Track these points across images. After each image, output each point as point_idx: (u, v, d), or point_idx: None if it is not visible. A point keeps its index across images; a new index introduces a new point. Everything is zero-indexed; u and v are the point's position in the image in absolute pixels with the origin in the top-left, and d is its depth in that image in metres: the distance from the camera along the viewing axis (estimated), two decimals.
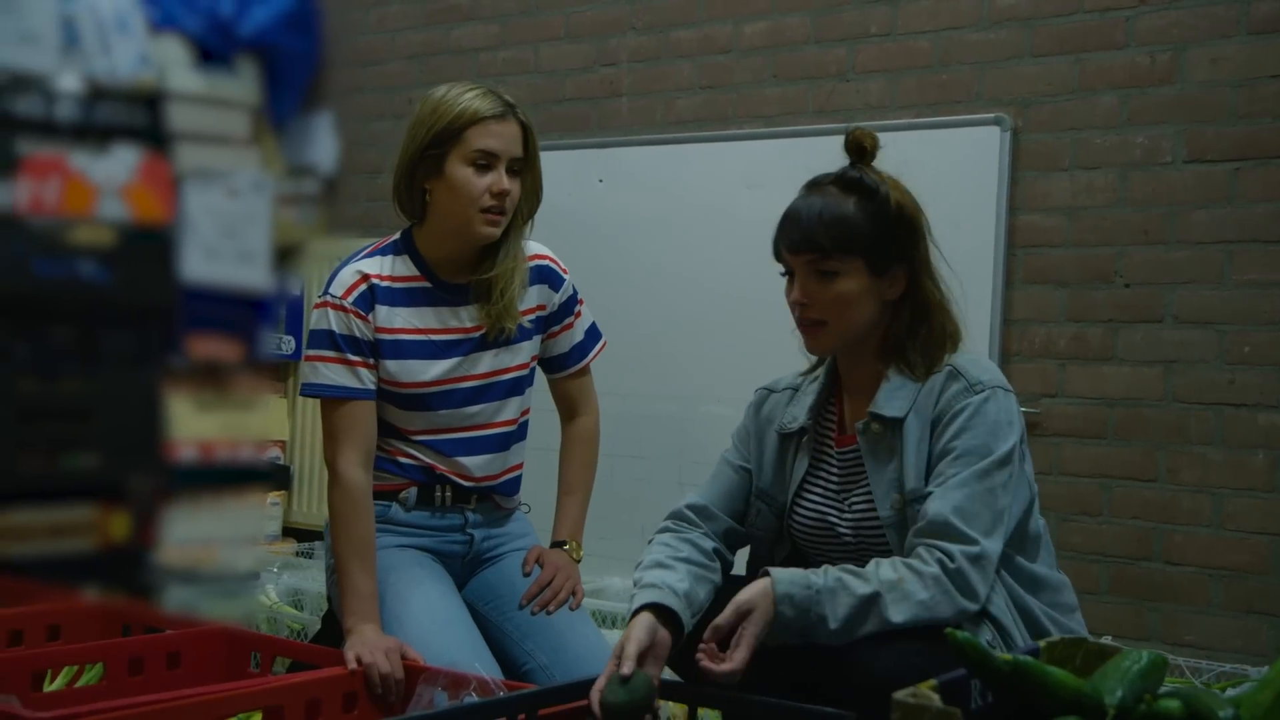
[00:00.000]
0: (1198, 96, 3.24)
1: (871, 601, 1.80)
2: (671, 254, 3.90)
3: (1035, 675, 1.44)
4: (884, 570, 1.84)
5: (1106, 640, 3.09)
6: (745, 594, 1.83)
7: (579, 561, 2.46)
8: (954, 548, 1.83)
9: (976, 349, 3.40)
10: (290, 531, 4.40)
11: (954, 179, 3.43)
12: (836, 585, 1.82)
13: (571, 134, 4.24)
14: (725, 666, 1.79)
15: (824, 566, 1.85)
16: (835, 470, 2.05)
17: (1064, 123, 3.42)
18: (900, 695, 1.35)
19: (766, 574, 1.85)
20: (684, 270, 3.88)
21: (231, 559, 2.69)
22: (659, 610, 1.92)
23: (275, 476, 4.06)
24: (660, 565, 2.01)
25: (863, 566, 1.86)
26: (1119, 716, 1.36)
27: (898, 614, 1.80)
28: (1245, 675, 2.90)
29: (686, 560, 2.03)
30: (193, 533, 2.55)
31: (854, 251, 1.95)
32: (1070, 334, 3.39)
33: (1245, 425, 3.15)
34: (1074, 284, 3.39)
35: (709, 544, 2.10)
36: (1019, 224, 3.46)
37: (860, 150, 2.00)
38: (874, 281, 1.96)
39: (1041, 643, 1.59)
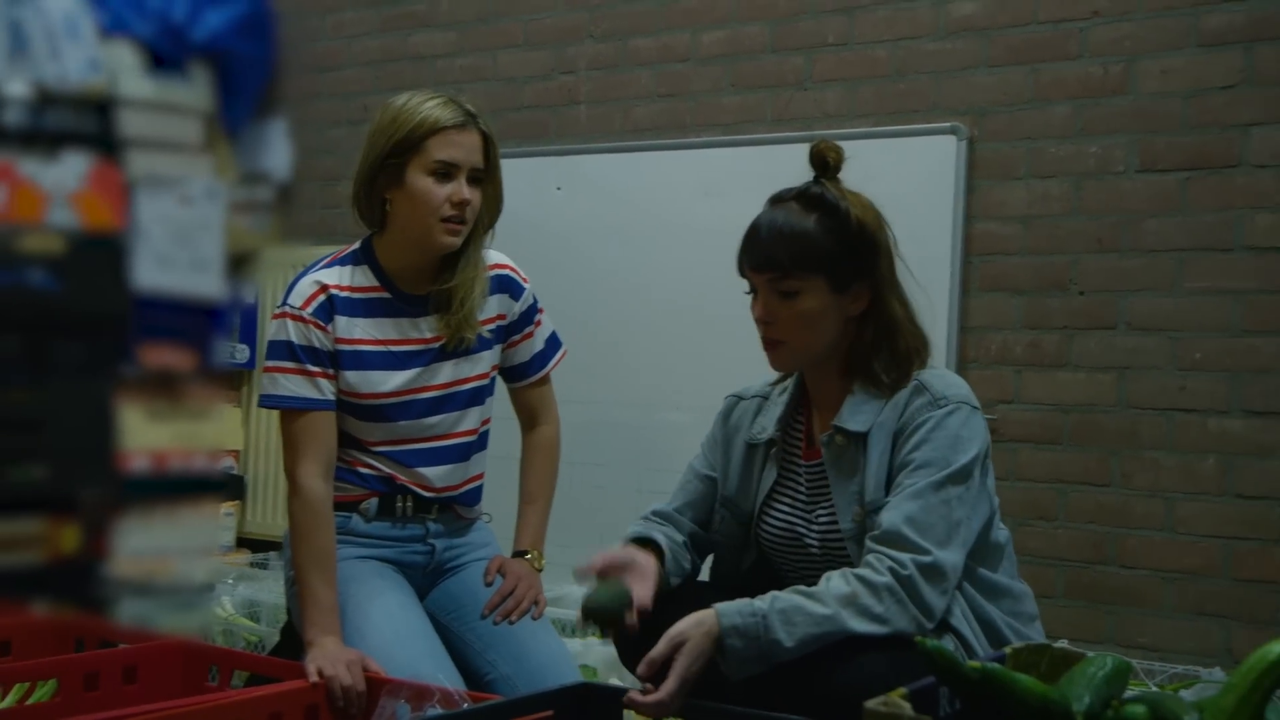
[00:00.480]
0: (1149, 107, 3.28)
1: (829, 620, 1.79)
2: (630, 262, 3.90)
3: (1003, 683, 1.45)
4: (835, 585, 1.83)
5: (1063, 644, 3.14)
6: (680, 625, 1.81)
7: (541, 571, 2.45)
8: (905, 556, 1.83)
9: (934, 356, 3.43)
10: (245, 542, 4.36)
11: (911, 188, 3.45)
12: (790, 608, 1.80)
13: (530, 141, 4.23)
14: (652, 698, 1.77)
15: (771, 592, 1.84)
16: (803, 483, 2.06)
17: (1019, 132, 3.44)
18: (872, 704, 1.35)
19: (712, 608, 1.83)
20: (642, 278, 3.88)
21: (186, 570, 2.66)
22: (640, 541, 1.98)
23: (229, 486, 4.03)
24: (638, 536, 2.07)
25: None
26: None
27: (858, 625, 1.79)
28: (1197, 676, 2.93)
29: (664, 535, 2.08)
30: (146, 544, 2.52)
31: (814, 270, 1.95)
32: (1026, 341, 3.42)
33: (1196, 431, 3.18)
34: (1030, 291, 3.42)
35: (679, 536, 2.13)
36: (975, 232, 3.49)
37: (824, 164, 2.00)
38: (836, 299, 1.96)
39: (1007, 649, 1.60)
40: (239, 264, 2.38)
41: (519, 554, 2.45)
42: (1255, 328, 3.13)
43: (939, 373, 2.00)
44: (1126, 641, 3.23)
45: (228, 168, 2.20)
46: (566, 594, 3.61)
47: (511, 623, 2.32)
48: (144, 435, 2.33)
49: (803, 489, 2.05)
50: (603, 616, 1.84)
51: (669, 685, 1.76)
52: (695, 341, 3.69)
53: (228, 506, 4.13)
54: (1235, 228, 3.17)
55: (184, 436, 2.39)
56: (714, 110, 3.92)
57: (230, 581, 3.62)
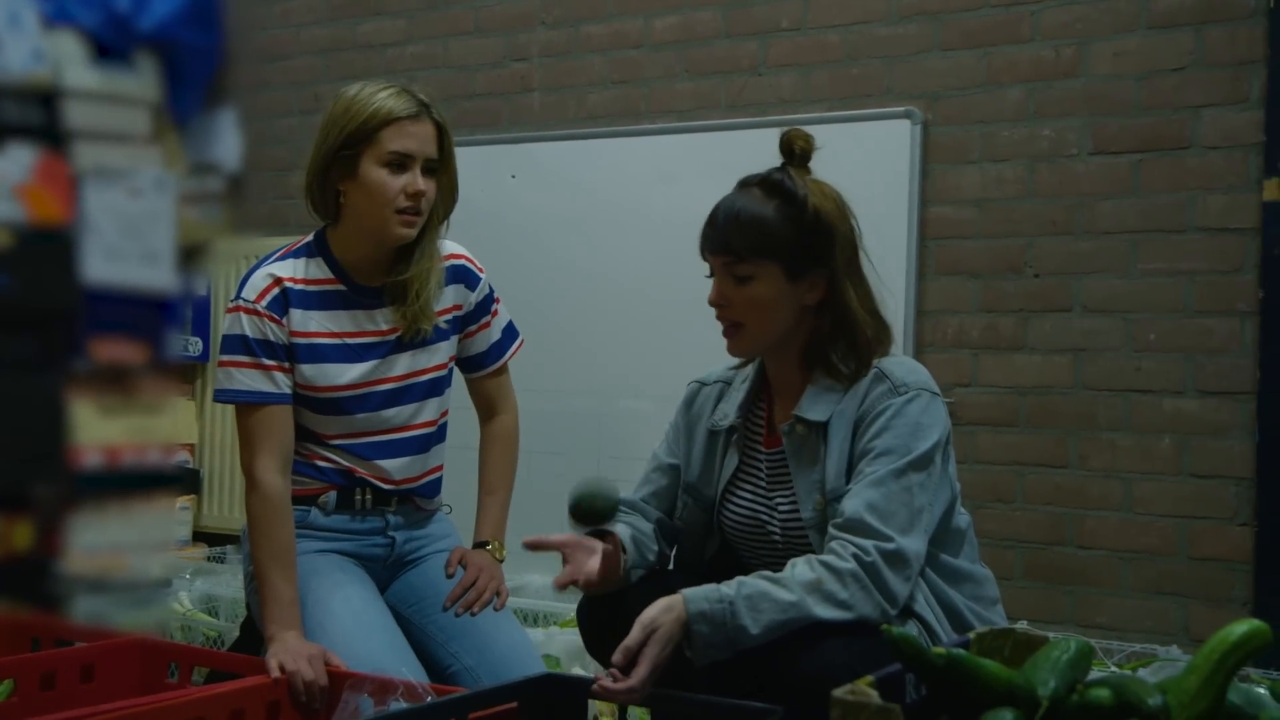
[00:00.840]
0: (1101, 89, 3.30)
1: (794, 607, 1.79)
2: (586, 249, 3.89)
3: (969, 668, 1.47)
4: (800, 571, 1.83)
5: (1024, 625, 3.16)
6: (651, 611, 1.80)
7: (502, 561, 2.44)
8: (868, 543, 1.83)
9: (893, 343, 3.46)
10: (201, 536, 4.32)
11: (866, 172, 3.45)
12: (755, 594, 1.80)
13: (483, 129, 4.20)
14: (623, 685, 1.77)
15: (737, 578, 1.84)
16: (764, 470, 2.06)
17: (973, 116, 3.46)
18: (839, 693, 1.35)
19: (679, 594, 1.83)
20: (598, 265, 3.87)
21: (142, 566, 2.63)
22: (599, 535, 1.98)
23: (184, 480, 3.99)
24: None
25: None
26: (1052, 707, 1.38)
27: (822, 612, 1.80)
28: (1154, 655, 2.96)
29: (627, 524, 2.08)
30: (100, 540, 2.48)
31: (769, 256, 1.95)
32: (982, 324, 3.44)
33: (1152, 411, 3.21)
34: (985, 275, 3.44)
35: (647, 525, 2.13)
36: (930, 216, 3.50)
37: (790, 152, 2.00)
38: (791, 286, 1.96)
39: (971, 634, 1.61)
40: (190, 256, 2.34)
41: (480, 545, 2.44)
42: (1208, 308, 3.16)
43: (899, 360, 2.00)
44: (1085, 621, 3.26)
45: (177, 159, 2.16)
46: (526, 583, 3.60)
47: (474, 614, 2.31)
48: (96, 430, 2.29)
49: (763, 476, 2.05)
50: (591, 513, 1.83)
51: (640, 672, 1.76)
52: (654, 329, 3.68)
53: (183, 500, 4.09)
54: (1187, 209, 3.19)
55: (137, 430, 2.35)
56: (668, 97, 3.91)
57: (187, 576, 3.59)
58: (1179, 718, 1.39)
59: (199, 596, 3.50)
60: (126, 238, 2.10)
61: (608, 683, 1.78)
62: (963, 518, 2.04)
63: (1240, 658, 1.43)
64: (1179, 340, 3.19)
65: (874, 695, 1.34)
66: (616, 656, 1.79)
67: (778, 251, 1.95)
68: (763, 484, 2.05)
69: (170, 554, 3.60)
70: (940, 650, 1.47)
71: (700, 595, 1.80)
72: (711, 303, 2.00)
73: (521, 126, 4.15)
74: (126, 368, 2.29)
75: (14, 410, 2.37)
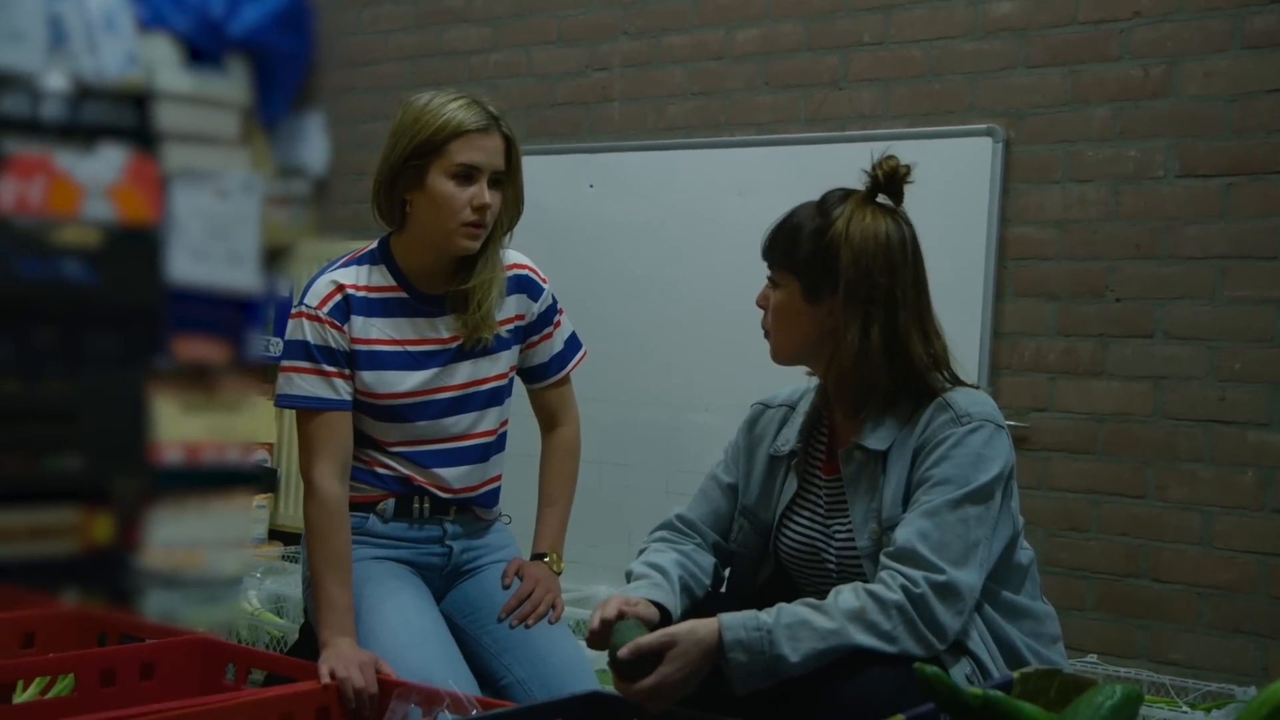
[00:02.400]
0: (1191, 110, 3.24)
1: (834, 635, 1.76)
2: (661, 261, 3.88)
3: (1005, 711, 1.41)
4: (845, 599, 1.79)
5: (1092, 660, 3.11)
6: (678, 626, 1.78)
7: (559, 574, 2.44)
8: (918, 574, 1.79)
9: (966, 362, 3.39)
10: (277, 534, 4.36)
11: (946, 190, 3.42)
12: (795, 623, 1.76)
13: (563, 139, 4.22)
14: (631, 689, 1.76)
15: (778, 605, 1.80)
16: (822, 497, 2.03)
17: (1057, 134, 3.41)
18: None
19: (715, 619, 1.80)
20: (674, 277, 3.86)
21: (216, 562, 2.67)
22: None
23: (262, 479, 4.03)
24: (654, 566, 2.03)
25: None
26: None
27: (864, 640, 1.76)
28: (1231, 695, 2.89)
29: (680, 567, 2.04)
30: (178, 535, 2.53)
31: (789, 269, 1.96)
32: (1060, 348, 3.39)
33: (1235, 443, 3.14)
34: (1065, 298, 3.39)
35: (706, 559, 2.10)
36: (1010, 236, 3.46)
37: (880, 175, 1.97)
38: (808, 305, 1.94)
39: (1016, 673, 1.55)
40: (274, 257, 2.38)
41: (538, 556, 2.44)
42: None
43: (965, 390, 1.95)
44: (1158, 657, 3.19)
45: (264, 161, 2.20)
46: (592, 594, 3.60)
47: (528, 626, 2.31)
48: (177, 427, 2.34)
49: (822, 503, 2.03)
50: (629, 666, 1.81)
51: (646, 681, 1.75)
52: (726, 342, 3.67)
53: (260, 499, 4.13)
54: (1278, 235, 3.12)
55: (217, 429, 2.40)
56: (748, 109, 3.90)
57: (258, 575, 3.63)
58: None
59: (267, 596, 3.53)
60: (212, 238, 2.14)
61: (623, 684, 1.77)
62: (1025, 553, 1.99)
63: None
64: (1265, 370, 3.12)
65: None
66: (627, 650, 1.77)
67: (796, 267, 1.95)
68: (821, 511, 2.03)
69: (244, 552, 3.65)
70: (976, 691, 1.41)
71: (737, 622, 1.77)
72: (757, 304, 2.03)
73: (601, 136, 4.16)
74: (208, 366, 2.33)
75: (98, 405, 2.42)
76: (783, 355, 2.02)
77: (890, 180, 1.97)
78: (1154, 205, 3.28)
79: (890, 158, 1.98)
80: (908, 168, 1.98)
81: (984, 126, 3.47)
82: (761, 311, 2.03)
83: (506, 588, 2.37)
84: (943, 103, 3.58)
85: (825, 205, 1.97)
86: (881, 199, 1.98)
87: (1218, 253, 3.19)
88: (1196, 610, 3.17)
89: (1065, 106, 3.41)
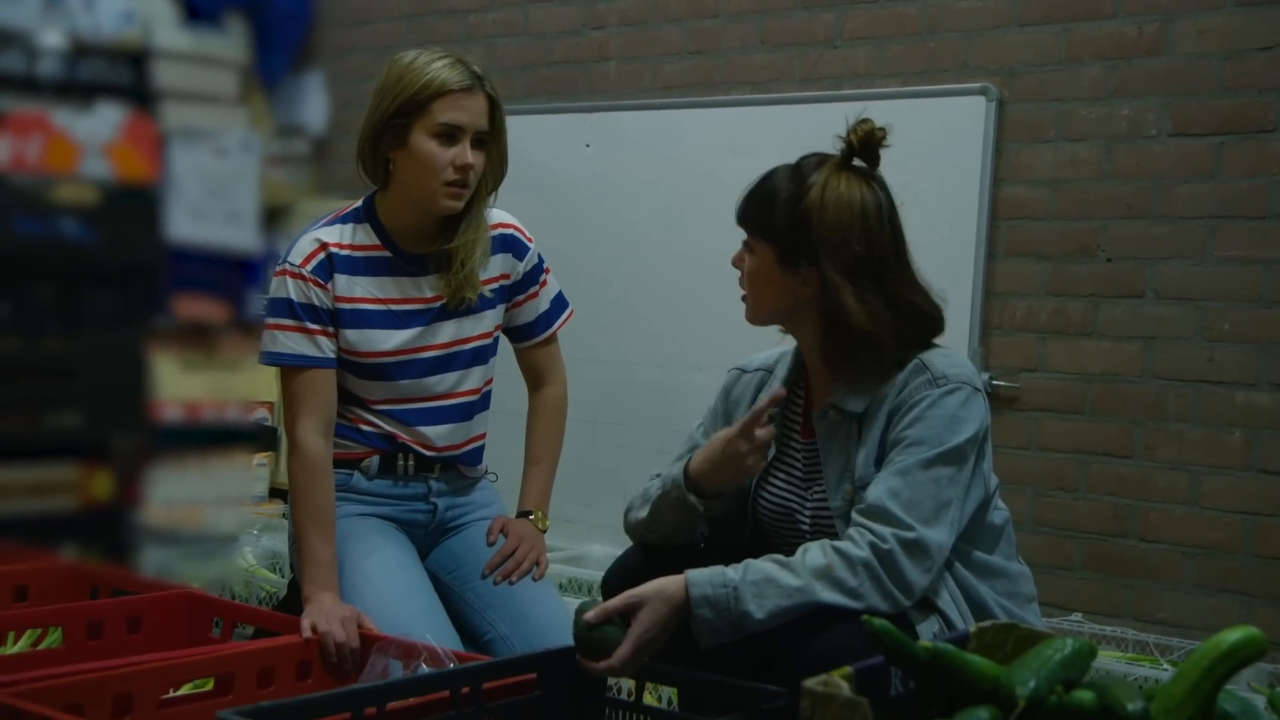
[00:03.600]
0: (1184, 68, 3.24)
1: (800, 592, 1.78)
2: (658, 220, 3.89)
3: (954, 663, 1.42)
4: (812, 556, 1.81)
5: (1076, 618, 3.14)
6: (644, 587, 1.80)
7: (544, 531, 2.46)
8: (887, 530, 1.80)
9: (958, 322, 3.43)
10: (278, 493, 4.37)
11: (939, 149, 3.43)
12: (761, 580, 1.78)
13: (559, 98, 4.21)
14: (604, 664, 1.78)
15: (745, 560, 1.82)
16: (800, 461, 2.05)
17: (1050, 93, 3.42)
18: (810, 683, 1.32)
19: (682, 576, 1.81)
20: (670, 237, 3.87)
21: (215, 520, 2.70)
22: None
23: (262, 437, 4.04)
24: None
25: None
26: (1030, 707, 1.33)
27: (830, 597, 1.78)
28: None
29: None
30: (178, 493, 2.55)
31: (764, 235, 1.95)
32: (1051, 308, 3.41)
33: (1223, 403, 3.17)
34: (1056, 257, 3.40)
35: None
36: (1002, 196, 3.47)
37: (855, 140, 1.96)
38: (782, 272, 1.94)
39: (973, 627, 1.56)
40: (274, 217, 2.39)
41: (523, 514, 2.46)
42: None
43: (942, 352, 1.95)
44: (1144, 616, 3.23)
45: (263, 121, 2.20)
46: (586, 553, 3.63)
47: (511, 583, 2.34)
48: (177, 385, 2.35)
49: (799, 467, 2.05)
50: (594, 650, 1.83)
51: (622, 651, 1.77)
52: (721, 302, 3.65)
53: (261, 457, 4.15)
54: (1270, 195, 3.13)
55: (217, 387, 2.41)
56: (743, 68, 3.90)
57: (254, 533, 3.65)
58: None
59: (263, 553, 3.55)
60: (211, 198, 2.14)
61: (589, 660, 1.79)
62: (999, 514, 2.00)
63: (1232, 665, 1.38)
64: (1254, 331, 3.14)
65: (844, 687, 1.31)
66: (590, 615, 1.80)
67: (771, 234, 1.94)
68: (798, 475, 2.04)
69: (243, 509, 3.67)
70: (925, 644, 1.42)
71: (704, 578, 1.79)
72: (732, 263, 2.04)
73: (597, 95, 4.15)
74: (208, 325, 2.34)
75: (97, 363, 2.43)
76: (758, 317, 2.03)
77: (866, 145, 1.95)
78: (1146, 164, 3.29)
79: (865, 121, 1.96)
80: (884, 131, 1.96)
81: (977, 85, 3.48)
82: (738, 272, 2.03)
83: (491, 545, 2.39)
84: (936, 61, 3.58)
85: (801, 172, 1.95)
86: (858, 163, 1.97)
87: (1208, 212, 3.21)
88: (1182, 570, 3.21)
89: (1058, 65, 3.41)
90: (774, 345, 2.17)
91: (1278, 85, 3.12)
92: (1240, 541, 3.14)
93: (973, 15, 3.52)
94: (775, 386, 2.07)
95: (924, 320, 1.97)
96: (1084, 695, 1.35)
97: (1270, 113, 3.13)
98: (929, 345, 1.97)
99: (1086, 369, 3.35)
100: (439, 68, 2.23)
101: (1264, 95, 3.14)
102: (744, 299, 2.03)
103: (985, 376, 3.37)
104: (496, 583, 2.33)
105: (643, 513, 2.05)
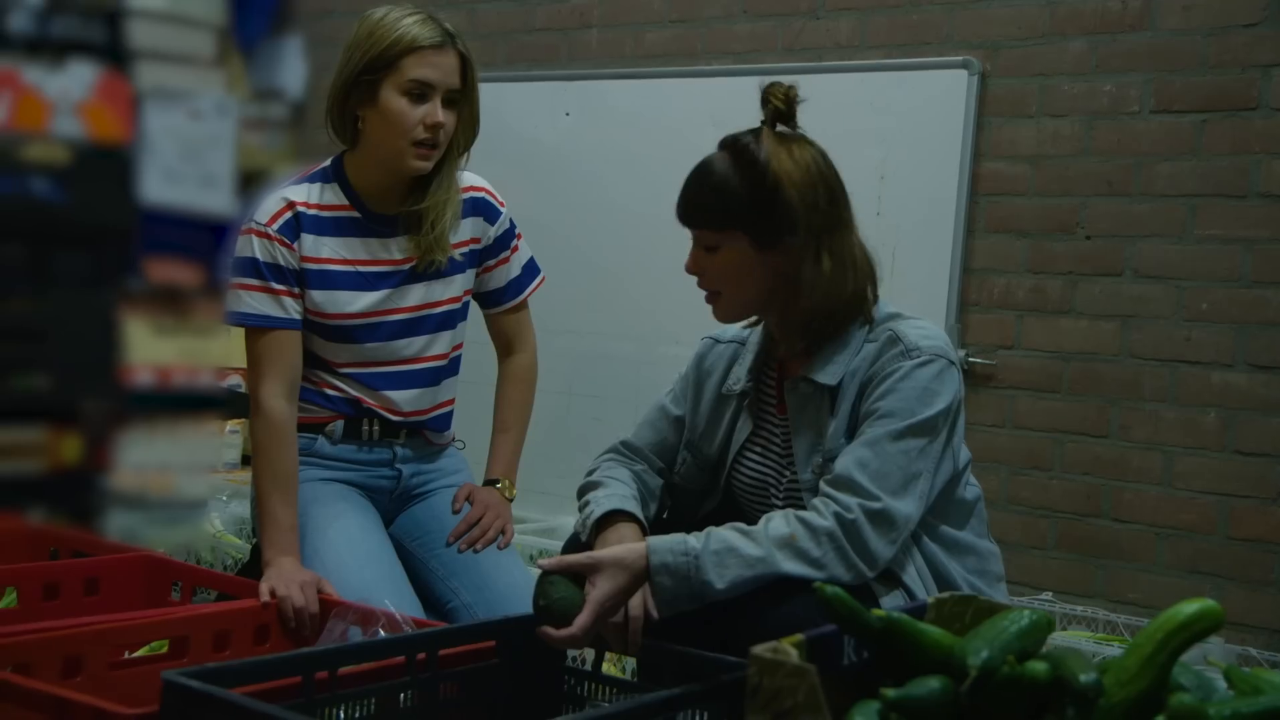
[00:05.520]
0: (1167, 44, 3.23)
1: (761, 563, 1.76)
2: (637, 191, 3.86)
3: (908, 633, 1.41)
4: (775, 525, 1.79)
5: (1047, 597, 3.15)
6: (604, 551, 1.79)
7: (511, 500, 2.45)
8: (853, 500, 1.79)
9: (936, 298, 3.43)
10: (250, 459, 4.36)
11: (920, 122, 3.41)
12: (723, 549, 1.76)
13: (540, 65, 4.18)
14: (564, 633, 1.75)
15: (708, 529, 1.81)
16: (778, 437, 2.04)
17: (1033, 68, 3.40)
18: (759, 650, 1.31)
19: (643, 543, 1.80)
20: (649, 208, 3.82)
21: (184, 486, 2.67)
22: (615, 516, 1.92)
23: (235, 404, 4.02)
24: (613, 477, 2.03)
25: None
26: (982, 677, 1.32)
27: (791, 567, 1.76)
28: None
29: (637, 489, 2.04)
30: (148, 458, 2.53)
31: (733, 226, 1.90)
32: (1030, 285, 3.40)
33: (1199, 384, 3.17)
34: (1036, 234, 3.40)
35: (656, 481, 2.11)
36: (983, 171, 3.46)
37: (768, 108, 1.92)
38: (761, 255, 1.91)
39: (931, 599, 1.55)
40: (250, 181, 2.35)
41: (490, 482, 2.45)
42: (1265, 279, 3.10)
43: (917, 323, 1.94)
44: (1116, 597, 3.23)
45: (240, 83, 2.16)
46: (559, 525, 3.62)
47: (476, 551, 2.33)
48: (148, 349, 2.32)
49: (777, 443, 2.03)
50: (554, 617, 1.81)
51: (582, 619, 1.74)
52: None
53: (233, 424, 4.13)
54: (1250, 173, 3.13)
55: (189, 352, 2.38)
56: (725, 38, 3.87)
57: (223, 499, 3.62)
58: (1115, 696, 1.34)
59: (231, 519, 3.53)
60: (186, 160, 2.11)
61: (550, 630, 1.76)
62: (971, 490, 2.00)
63: (1186, 638, 1.38)
64: (1232, 311, 3.14)
65: (793, 654, 1.29)
66: (547, 562, 1.78)
67: (741, 221, 1.90)
68: (776, 450, 2.04)
69: (213, 475, 3.64)
70: (879, 612, 1.41)
71: (665, 546, 1.77)
72: (688, 270, 1.97)
73: (579, 64, 4.12)
74: (181, 289, 2.31)
75: (67, 326, 2.40)
76: (741, 312, 1.99)
77: (787, 108, 1.92)
78: (1127, 141, 3.28)
79: (776, 84, 1.92)
80: (795, 89, 1.92)
81: (960, 59, 3.46)
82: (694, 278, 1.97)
83: (457, 513, 2.38)
84: (919, 34, 3.56)
85: (742, 153, 1.91)
86: (783, 130, 1.93)
87: (1189, 190, 3.20)
88: (1155, 550, 3.22)
89: (1041, 39, 3.39)
90: None
91: (1261, 62, 3.11)
92: (1213, 523, 3.15)
93: None
94: (748, 359, 2.06)
95: (869, 272, 1.96)
96: (1037, 666, 1.34)
97: (1253, 90, 3.13)
98: (873, 297, 1.96)
99: (1064, 347, 3.35)
100: (410, 24, 2.21)
101: (1247, 72, 3.13)
102: (709, 300, 1.98)
103: (962, 353, 3.36)
104: (461, 550, 2.32)
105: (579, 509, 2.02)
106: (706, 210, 1.93)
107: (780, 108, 1.92)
